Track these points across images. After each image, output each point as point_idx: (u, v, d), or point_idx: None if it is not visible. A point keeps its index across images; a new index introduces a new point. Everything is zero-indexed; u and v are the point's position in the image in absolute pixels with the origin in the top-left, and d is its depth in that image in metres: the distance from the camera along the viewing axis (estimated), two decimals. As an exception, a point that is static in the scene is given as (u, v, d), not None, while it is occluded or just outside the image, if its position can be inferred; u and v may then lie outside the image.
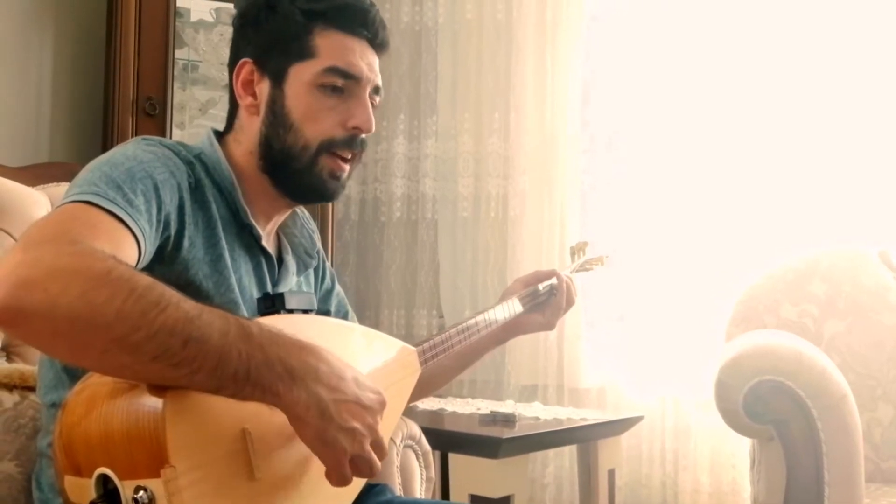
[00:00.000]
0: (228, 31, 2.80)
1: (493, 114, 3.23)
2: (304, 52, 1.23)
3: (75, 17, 3.01)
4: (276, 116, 1.23)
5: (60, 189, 1.73)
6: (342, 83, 1.23)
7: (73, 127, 2.99)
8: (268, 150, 1.23)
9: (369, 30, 1.26)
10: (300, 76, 1.23)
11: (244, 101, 1.25)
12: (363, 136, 1.26)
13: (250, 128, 1.25)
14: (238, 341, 0.87)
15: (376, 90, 1.28)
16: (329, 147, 1.23)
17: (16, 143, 2.82)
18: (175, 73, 2.84)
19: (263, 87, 1.24)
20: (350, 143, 1.25)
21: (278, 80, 1.23)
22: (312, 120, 1.22)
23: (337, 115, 1.23)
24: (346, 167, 1.26)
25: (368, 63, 1.25)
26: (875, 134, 2.67)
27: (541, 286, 1.64)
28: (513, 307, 1.58)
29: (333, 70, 1.22)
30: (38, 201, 1.67)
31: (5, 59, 2.82)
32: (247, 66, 1.25)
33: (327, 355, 0.96)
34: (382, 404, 1.00)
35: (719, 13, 2.87)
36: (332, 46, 1.23)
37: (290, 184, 1.25)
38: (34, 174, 1.93)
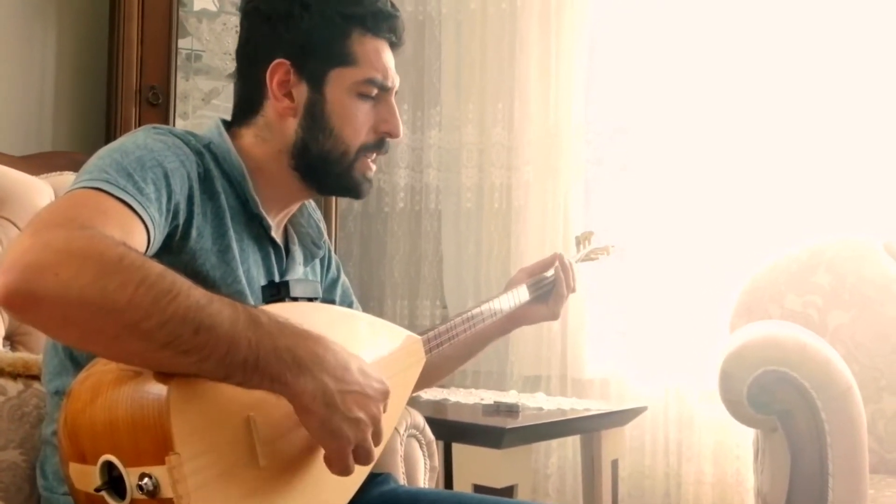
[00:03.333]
0: (232, 21, 2.83)
1: (496, 104, 3.22)
2: (344, 58, 1.23)
3: (78, 6, 3.00)
4: (316, 121, 1.23)
5: (64, 178, 1.72)
6: (376, 92, 1.25)
7: (76, 116, 2.99)
8: (304, 152, 1.24)
9: (396, 35, 1.28)
10: (340, 82, 1.23)
11: (281, 103, 1.23)
12: (390, 139, 1.29)
13: (283, 128, 1.24)
14: (247, 330, 0.88)
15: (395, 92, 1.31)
16: (364, 151, 1.26)
17: (19, 133, 2.82)
18: (178, 62, 2.83)
19: (301, 90, 1.23)
20: (379, 147, 1.28)
21: (317, 84, 1.23)
22: (351, 126, 1.24)
23: (370, 119, 1.26)
24: (374, 166, 1.29)
25: (393, 68, 1.28)
26: (881, 125, 2.66)
27: (547, 273, 1.64)
28: (518, 296, 1.58)
29: (373, 81, 1.24)
30: (41, 190, 1.67)
31: (8, 48, 2.82)
32: (283, 68, 1.23)
33: (333, 345, 0.96)
34: (386, 394, 1.01)
35: (725, 1, 2.86)
36: (369, 54, 1.24)
37: (326, 184, 1.27)
38: (37, 163, 1.93)
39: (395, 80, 1.28)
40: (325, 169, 1.24)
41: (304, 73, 1.23)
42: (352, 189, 1.28)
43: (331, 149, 1.23)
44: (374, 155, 1.28)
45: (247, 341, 0.87)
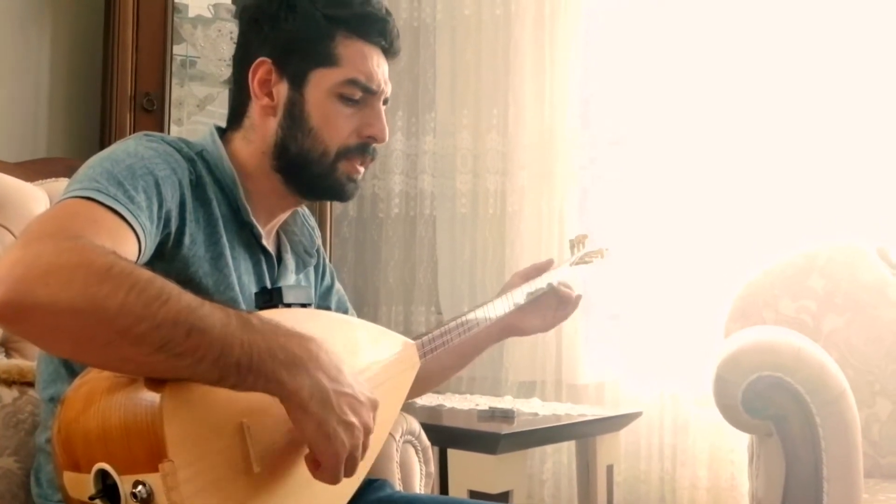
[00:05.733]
0: (226, 27, 2.83)
1: (491, 110, 3.23)
2: (326, 59, 1.22)
3: (73, 12, 3.01)
4: (295, 120, 1.23)
5: (59, 184, 1.72)
6: (360, 95, 1.24)
7: (70, 122, 2.99)
8: (284, 151, 1.23)
9: (387, 39, 1.27)
10: (321, 82, 1.23)
11: (261, 101, 1.24)
12: (375, 144, 1.27)
13: (265, 128, 1.24)
14: (239, 331, 0.88)
15: (385, 100, 1.29)
16: (345, 153, 1.24)
17: (14, 139, 2.82)
18: (173, 68, 2.83)
19: (281, 89, 1.23)
20: (363, 150, 1.26)
21: (298, 83, 1.23)
22: (331, 127, 1.23)
23: (353, 123, 1.24)
24: (362, 169, 1.28)
25: (383, 73, 1.27)
26: (873, 130, 2.67)
27: (542, 285, 1.63)
28: (512, 301, 1.58)
29: (355, 83, 1.23)
30: (36, 197, 1.67)
31: (3, 54, 2.82)
32: (265, 66, 1.23)
33: (326, 345, 0.96)
34: (375, 405, 1.01)
35: (719, 7, 2.87)
36: (353, 56, 1.23)
37: (306, 186, 1.26)
38: (32, 169, 1.93)
39: (382, 85, 1.26)
40: (306, 170, 1.23)
41: (286, 72, 1.23)
42: (335, 190, 1.27)
43: (310, 149, 1.23)
44: (360, 159, 1.26)
45: (239, 342, 0.87)
